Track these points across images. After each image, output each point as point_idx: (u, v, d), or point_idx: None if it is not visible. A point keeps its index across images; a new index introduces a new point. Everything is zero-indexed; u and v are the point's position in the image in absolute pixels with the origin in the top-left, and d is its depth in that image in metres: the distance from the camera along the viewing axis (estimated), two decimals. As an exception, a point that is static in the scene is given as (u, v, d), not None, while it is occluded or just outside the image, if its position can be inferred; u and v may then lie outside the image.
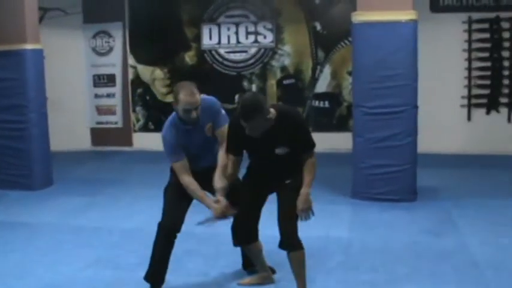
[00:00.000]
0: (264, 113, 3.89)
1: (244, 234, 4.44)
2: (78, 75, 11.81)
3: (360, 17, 7.04)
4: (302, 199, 4.11)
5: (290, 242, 4.19)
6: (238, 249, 4.91)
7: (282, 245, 4.22)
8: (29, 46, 8.16)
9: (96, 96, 11.87)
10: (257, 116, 3.85)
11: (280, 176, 4.18)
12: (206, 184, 4.35)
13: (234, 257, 5.14)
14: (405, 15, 6.91)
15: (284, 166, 4.15)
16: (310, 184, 4.13)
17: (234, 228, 4.42)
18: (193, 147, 4.38)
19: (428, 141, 9.10)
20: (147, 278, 4.49)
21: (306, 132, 4.18)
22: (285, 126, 4.03)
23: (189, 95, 4.14)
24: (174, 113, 4.35)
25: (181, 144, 4.33)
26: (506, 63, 10.23)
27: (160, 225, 4.43)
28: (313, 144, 4.16)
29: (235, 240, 4.46)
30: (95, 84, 11.88)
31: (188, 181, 4.33)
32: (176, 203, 4.45)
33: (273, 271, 4.79)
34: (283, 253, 4.30)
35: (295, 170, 4.18)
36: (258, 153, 4.24)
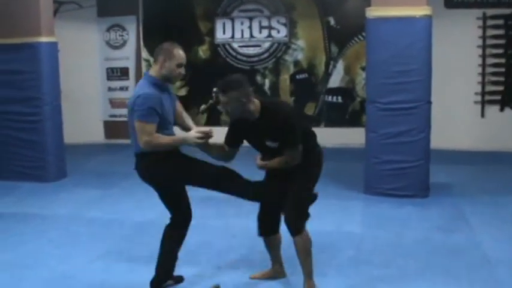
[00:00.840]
0: (240, 92, 4.02)
1: (269, 225, 4.50)
2: (91, 69, 11.86)
3: (374, 12, 7.03)
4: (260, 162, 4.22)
5: (291, 227, 4.25)
6: (251, 243, 4.93)
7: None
8: (43, 39, 8.21)
9: (110, 89, 11.92)
10: (231, 90, 4.01)
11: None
12: None
13: (246, 250, 5.18)
14: (420, 11, 6.89)
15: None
16: (275, 162, 4.18)
17: (259, 219, 4.51)
18: (170, 113, 4.26)
19: (441, 137, 9.07)
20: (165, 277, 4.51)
21: (289, 130, 4.11)
22: (269, 122, 4.11)
23: (181, 50, 4.23)
24: (147, 77, 4.20)
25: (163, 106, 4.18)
26: (520, 60, 10.19)
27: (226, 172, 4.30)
28: (295, 143, 4.13)
29: (259, 230, 4.52)
30: (109, 78, 11.93)
31: (157, 136, 4.08)
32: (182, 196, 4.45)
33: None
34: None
35: (304, 164, 4.22)
36: (255, 145, 4.33)
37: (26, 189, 7.96)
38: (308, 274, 4.36)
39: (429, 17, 6.93)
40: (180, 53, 4.19)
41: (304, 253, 4.31)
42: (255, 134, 4.22)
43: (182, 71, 4.22)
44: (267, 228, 4.52)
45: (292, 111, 4.26)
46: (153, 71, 4.20)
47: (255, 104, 4.12)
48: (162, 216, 4.65)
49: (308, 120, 4.42)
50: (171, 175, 4.23)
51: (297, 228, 4.25)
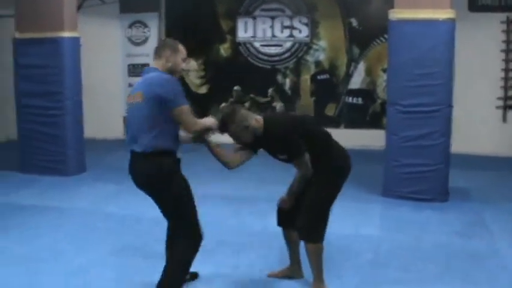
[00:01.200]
0: (237, 119, 4.14)
1: (285, 218, 4.49)
2: (113, 64, 11.93)
3: (397, 14, 6.99)
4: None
5: (301, 232, 4.26)
6: (268, 241, 4.92)
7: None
8: (66, 34, 8.27)
9: (130, 85, 11.90)
10: (230, 125, 4.14)
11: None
12: None
13: (263, 249, 5.17)
14: (443, 14, 6.84)
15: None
16: (294, 188, 4.31)
17: (278, 210, 4.52)
18: None
19: (462, 141, 9.01)
20: None
21: (288, 144, 4.19)
22: (270, 138, 4.21)
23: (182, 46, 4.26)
24: (155, 70, 4.14)
25: None
26: (544, 65, 10.08)
27: (199, 236, 4.16)
28: (296, 154, 4.17)
29: (278, 220, 4.54)
30: (130, 74, 11.98)
31: (202, 120, 4.06)
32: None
33: None
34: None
35: (317, 167, 4.22)
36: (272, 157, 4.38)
37: (47, 183, 8.03)
38: (317, 277, 4.35)
39: (453, 20, 6.88)
40: (182, 48, 4.22)
41: (315, 257, 4.30)
42: (265, 148, 4.31)
43: (184, 65, 4.26)
44: (285, 220, 4.50)
45: (288, 125, 4.28)
46: (157, 65, 4.15)
47: (257, 120, 4.21)
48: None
49: (316, 124, 4.41)
50: (178, 181, 4.09)
51: (310, 236, 4.25)
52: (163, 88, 3.89)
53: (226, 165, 4.30)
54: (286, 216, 4.48)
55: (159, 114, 3.88)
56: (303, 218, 4.24)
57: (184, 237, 4.11)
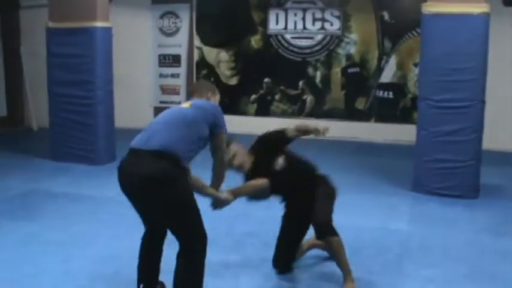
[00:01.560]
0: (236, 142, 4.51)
1: (283, 267, 4.64)
2: (144, 55, 12.02)
3: (430, 8, 6.93)
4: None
5: (322, 228, 4.25)
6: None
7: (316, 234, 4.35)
8: (98, 24, 8.35)
9: (161, 75, 12.04)
10: (232, 143, 4.44)
11: (304, 194, 4.36)
12: None
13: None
14: (477, 8, 6.76)
15: (301, 182, 4.47)
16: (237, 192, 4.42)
17: (274, 261, 4.67)
18: None
19: (494, 138, 8.92)
20: None
21: (272, 137, 4.51)
22: (258, 149, 4.51)
23: None
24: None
25: None
26: None
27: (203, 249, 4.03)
28: (283, 130, 4.44)
29: (276, 271, 4.66)
30: (160, 64, 12.06)
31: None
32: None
33: None
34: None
35: (316, 183, 4.44)
36: (272, 182, 4.45)
37: (78, 171, 8.15)
38: (347, 273, 4.30)
39: (487, 14, 6.79)
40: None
41: (339, 251, 4.27)
42: (262, 167, 4.44)
43: None
44: (283, 270, 4.63)
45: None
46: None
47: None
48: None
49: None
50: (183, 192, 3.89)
51: (331, 229, 4.24)
52: (218, 112, 3.98)
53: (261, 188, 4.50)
54: (283, 267, 4.63)
55: (199, 124, 3.86)
56: (322, 213, 4.27)
57: (185, 256, 3.97)
